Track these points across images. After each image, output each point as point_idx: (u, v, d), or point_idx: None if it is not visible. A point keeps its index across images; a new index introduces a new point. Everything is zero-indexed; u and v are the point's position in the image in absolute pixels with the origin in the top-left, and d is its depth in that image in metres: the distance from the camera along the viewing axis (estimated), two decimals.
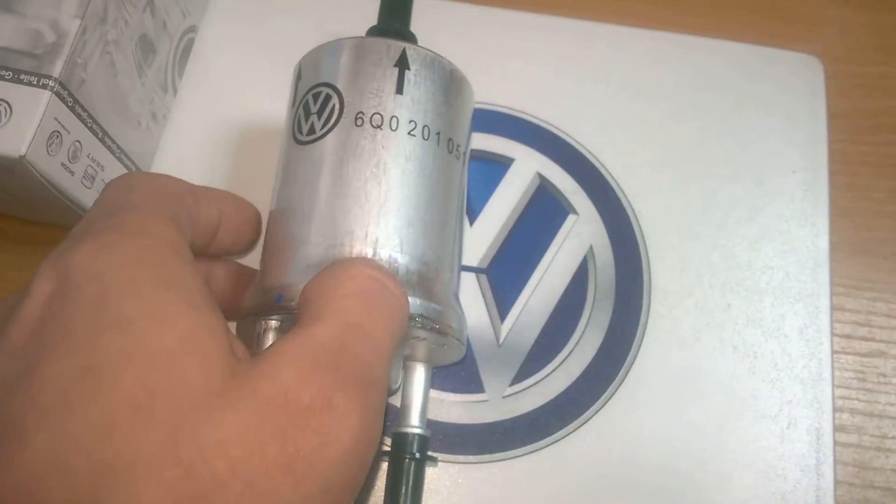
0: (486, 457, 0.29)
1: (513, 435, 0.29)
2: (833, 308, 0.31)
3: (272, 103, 0.31)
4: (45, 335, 0.18)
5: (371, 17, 0.29)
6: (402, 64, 0.25)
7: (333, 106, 0.25)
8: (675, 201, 0.33)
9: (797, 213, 0.33)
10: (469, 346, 0.30)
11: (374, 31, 0.28)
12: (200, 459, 0.16)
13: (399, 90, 0.25)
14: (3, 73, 0.25)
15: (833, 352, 0.31)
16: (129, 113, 0.31)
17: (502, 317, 0.31)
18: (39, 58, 0.25)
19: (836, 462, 0.29)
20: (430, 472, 0.28)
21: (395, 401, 0.28)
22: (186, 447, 0.16)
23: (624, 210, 0.33)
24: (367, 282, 0.21)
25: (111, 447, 0.16)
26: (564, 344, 0.31)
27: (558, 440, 0.29)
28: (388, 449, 0.26)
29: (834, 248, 0.32)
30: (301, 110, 0.26)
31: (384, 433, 0.28)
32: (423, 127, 0.25)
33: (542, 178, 0.33)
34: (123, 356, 0.17)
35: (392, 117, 0.25)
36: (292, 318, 0.22)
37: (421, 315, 0.23)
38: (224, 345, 0.19)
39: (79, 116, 0.27)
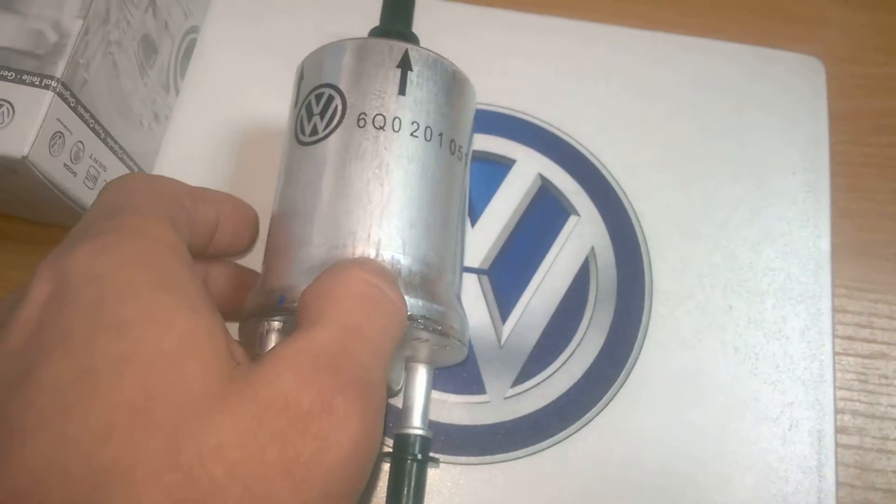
0: (488, 458, 0.29)
1: (514, 436, 0.29)
2: (835, 310, 0.31)
3: (274, 104, 0.31)
4: (44, 337, 0.18)
5: (372, 17, 0.29)
6: (405, 65, 0.25)
7: (336, 107, 0.25)
8: (676, 202, 0.33)
9: (799, 214, 0.33)
10: (470, 347, 0.30)
11: (376, 32, 0.28)
12: (199, 464, 0.16)
13: (402, 91, 0.25)
14: (6, 73, 0.25)
15: (835, 353, 0.31)
16: (131, 113, 0.31)
17: (504, 318, 0.31)
18: (42, 58, 0.25)
19: (837, 464, 0.29)
20: (432, 474, 0.28)
21: (397, 402, 0.28)
22: (185, 451, 0.16)
23: (625, 211, 0.33)
24: (364, 286, 0.21)
25: (110, 451, 0.16)
26: (566, 345, 0.31)
27: (560, 441, 0.29)
28: (389, 450, 0.26)
29: (836, 249, 0.32)
30: (303, 111, 0.26)
31: (386, 434, 0.28)
32: (426, 128, 0.25)
33: (543, 179, 0.33)
34: (122, 359, 0.17)
35: (395, 118, 0.25)
36: (295, 319, 0.22)
37: (423, 316, 0.23)
38: (223, 348, 0.19)
39: (81, 117, 0.27)
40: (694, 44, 0.36)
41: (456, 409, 0.29)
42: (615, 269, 0.32)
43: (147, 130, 0.32)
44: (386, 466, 0.27)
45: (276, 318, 0.23)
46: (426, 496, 0.27)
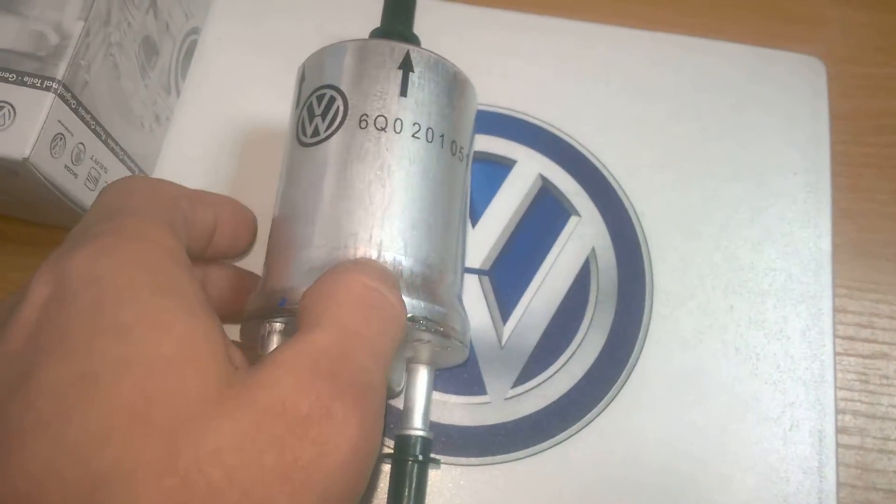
0: (489, 459, 0.29)
1: (515, 437, 0.29)
2: (836, 310, 0.31)
3: (276, 105, 0.31)
4: (43, 339, 0.18)
5: (373, 17, 0.29)
6: (406, 66, 0.25)
7: (337, 108, 0.25)
8: (676, 202, 0.33)
9: (799, 214, 0.33)
10: (471, 348, 0.30)
11: (377, 33, 0.28)
12: (197, 468, 0.16)
13: (403, 92, 0.25)
14: (7, 75, 0.25)
15: (835, 354, 0.31)
16: (132, 115, 0.31)
17: (504, 318, 0.31)
18: (43, 60, 0.25)
19: (838, 464, 0.29)
20: (433, 475, 0.28)
21: (398, 403, 0.28)
22: (183, 455, 0.16)
23: (626, 211, 0.33)
24: (363, 289, 0.21)
25: (108, 454, 0.16)
26: (567, 346, 0.31)
27: (560, 442, 0.29)
28: (391, 451, 0.26)
29: (836, 249, 0.32)
30: (305, 112, 0.26)
31: (387, 435, 0.28)
32: (427, 129, 0.25)
33: (544, 179, 0.33)
34: (121, 363, 0.17)
35: (396, 120, 0.25)
36: (296, 320, 0.22)
37: (425, 318, 0.23)
38: (221, 352, 0.19)
39: (82, 119, 0.27)
40: (694, 44, 0.36)
41: (457, 410, 0.29)
42: (616, 270, 0.32)
43: (148, 132, 0.32)
44: (387, 467, 0.27)
45: (278, 319, 0.23)
46: (427, 497, 0.27)
